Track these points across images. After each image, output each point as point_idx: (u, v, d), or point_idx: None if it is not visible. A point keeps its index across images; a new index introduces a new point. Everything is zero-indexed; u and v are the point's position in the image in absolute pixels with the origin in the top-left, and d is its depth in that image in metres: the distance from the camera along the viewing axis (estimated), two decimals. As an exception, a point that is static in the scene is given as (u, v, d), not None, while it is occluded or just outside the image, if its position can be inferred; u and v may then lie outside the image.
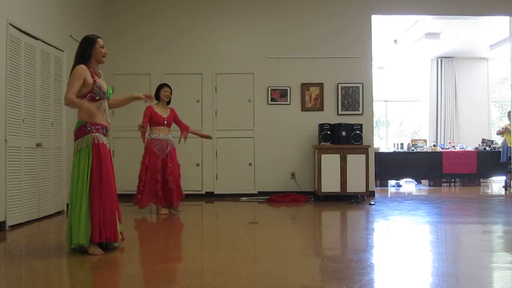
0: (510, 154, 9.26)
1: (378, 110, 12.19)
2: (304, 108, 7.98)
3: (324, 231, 5.31)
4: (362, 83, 7.96)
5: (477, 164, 9.77)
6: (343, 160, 7.29)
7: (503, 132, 9.81)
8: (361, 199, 7.15)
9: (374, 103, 8.22)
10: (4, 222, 4.76)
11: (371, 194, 7.73)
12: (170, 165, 5.78)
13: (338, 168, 7.27)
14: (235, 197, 7.73)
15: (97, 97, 3.70)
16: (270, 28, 8.03)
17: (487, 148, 10.18)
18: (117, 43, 7.75)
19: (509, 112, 9.63)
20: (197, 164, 7.89)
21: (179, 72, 7.89)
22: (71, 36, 6.42)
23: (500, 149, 9.75)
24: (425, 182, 10.73)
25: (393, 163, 9.59)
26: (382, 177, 9.84)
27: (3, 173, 4.75)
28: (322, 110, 7.96)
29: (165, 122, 5.87)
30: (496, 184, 10.80)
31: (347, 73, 7.96)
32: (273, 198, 7.38)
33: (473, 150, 10.07)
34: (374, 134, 8.45)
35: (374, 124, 9.45)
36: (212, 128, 7.87)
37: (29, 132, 5.27)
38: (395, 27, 9.34)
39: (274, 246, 4.08)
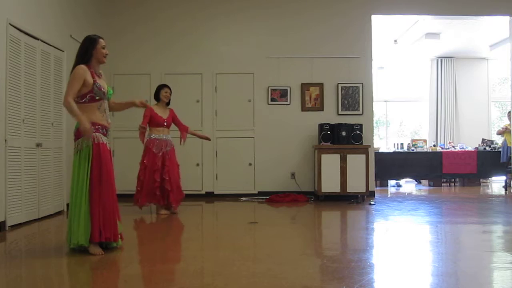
0: (510, 154, 9.25)
1: (378, 110, 12.19)
2: (304, 108, 7.98)
3: (324, 231, 5.31)
4: (362, 83, 7.96)
5: (477, 164, 9.77)
6: (343, 160, 7.29)
7: (503, 132, 9.80)
8: (361, 199, 7.15)
9: (374, 103, 8.23)
10: (4, 222, 4.76)
11: (371, 194, 7.73)
12: (167, 164, 5.78)
13: (338, 168, 7.28)
14: (235, 197, 7.73)
15: (97, 97, 3.70)
16: (270, 28, 8.03)
17: (487, 148, 10.17)
18: (117, 43, 7.75)
19: (509, 112, 9.63)
20: (197, 164, 7.89)
21: (179, 72, 7.90)
22: (71, 36, 6.42)
23: (500, 149, 9.75)
24: (425, 182, 10.73)
25: (393, 163, 9.58)
26: (382, 177, 9.84)
27: (3, 173, 4.75)
28: (322, 110, 7.96)
29: (165, 123, 5.88)
30: (496, 184, 10.80)
31: (347, 73, 7.96)
32: (273, 198, 7.38)
33: (473, 150, 10.07)
34: (374, 134, 8.45)
35: (374, 124, 9.46)
36: (212, 128, 7.87)
37: (29, 132, 5.27)
38: (395, 27, 9.34)
39: (274, 246, 4.08)
